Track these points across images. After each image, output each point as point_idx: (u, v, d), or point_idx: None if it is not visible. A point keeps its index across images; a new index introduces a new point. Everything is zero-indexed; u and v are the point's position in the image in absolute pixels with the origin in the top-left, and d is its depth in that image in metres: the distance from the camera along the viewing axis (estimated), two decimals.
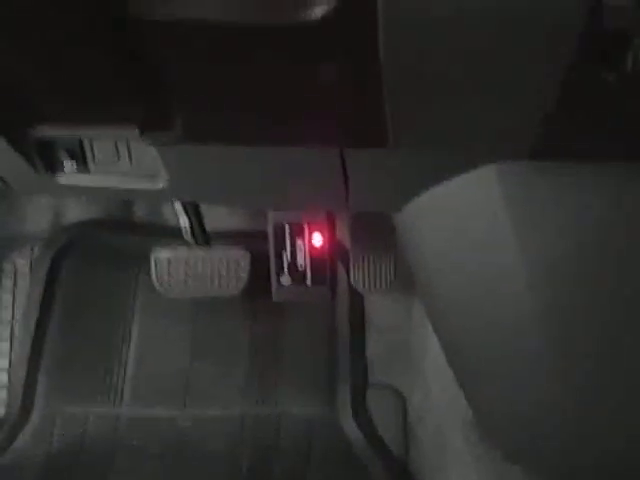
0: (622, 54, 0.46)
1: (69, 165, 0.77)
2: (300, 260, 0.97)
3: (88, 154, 0.78)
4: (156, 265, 1.21)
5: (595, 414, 0.78)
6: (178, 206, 1.18)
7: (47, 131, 0.71)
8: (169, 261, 1.21)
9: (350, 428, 1.23)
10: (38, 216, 1.44)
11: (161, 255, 1.21)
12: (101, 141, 0.77)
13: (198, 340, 1.32)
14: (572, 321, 0.71)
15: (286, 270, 0.98)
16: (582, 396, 0.76)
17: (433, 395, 1.20)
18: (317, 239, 0.95)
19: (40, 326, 1.33)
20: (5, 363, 1.34)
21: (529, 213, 0.66)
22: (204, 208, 1.21)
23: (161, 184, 0.75)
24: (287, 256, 0.97)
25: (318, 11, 0.46)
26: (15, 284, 1.40)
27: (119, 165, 0.78)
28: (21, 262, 1.41)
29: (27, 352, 1.32)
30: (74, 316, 1.35)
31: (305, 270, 0.98)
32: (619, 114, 0.53)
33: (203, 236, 1.22)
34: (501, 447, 1.00)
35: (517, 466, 1.02)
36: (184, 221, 1.19)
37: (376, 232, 1.09)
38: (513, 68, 0.50)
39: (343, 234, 1.22)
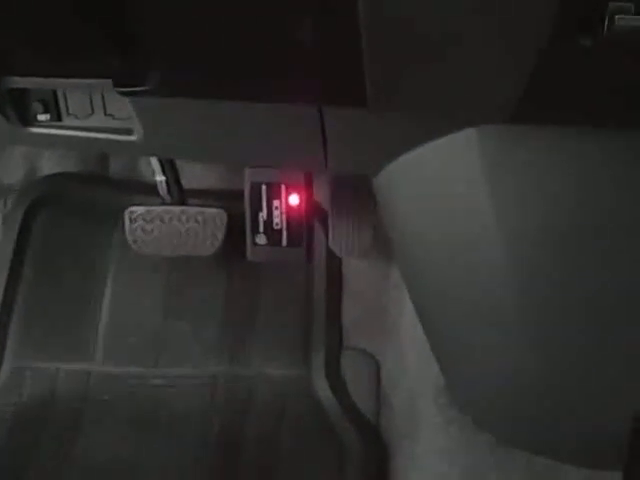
0: (598, 19, 0.46)
1: (43, 116, 0.77)
2: (276, 220, 0.96)
3: (62, 106, 0.78)
4: (130, 221, 1.20)
5: (565, 383, 0.79)
6: (154, 162, 1.17)
7: (21, 82, 0.70)
8: (144, 218, 1.20)
9: (323, 391, 1.23)
10: (12, 168, 1.42)
11: (136, 211, 1.20)
12: (75, 93, 0.76)
13: (172, 298, 1.31)
14: (547, 288, 0.71)
15: (262, 230, 0.97)
16: (553, 365, 0.77)
17: (407, 360, 1.21)
18: (294, 199, 0.94)
19: (12, 279, 1.32)
20: None
21: (508, 177, 0.66)
22: (180, 165, 1.20)
23: (135, 137, 0.74)
24: (263, 216, 0.96)
25: None
26: None
27: (93, 118, 0.78)
28: None
29: None
30: (47, 270, 1.34)
31: (281, 230, 0.97)
32: (596, 79, 0.53)
33: (179, 194, 1.21)
34: (471, 413, 1.02)
35: (486, 432, 1.04)
36: (160, 178, 1.18)
37: (356, 196, 1.09)
38: (494, 33, 0.50)
39: (323, 197, 1.22)
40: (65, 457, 1.19)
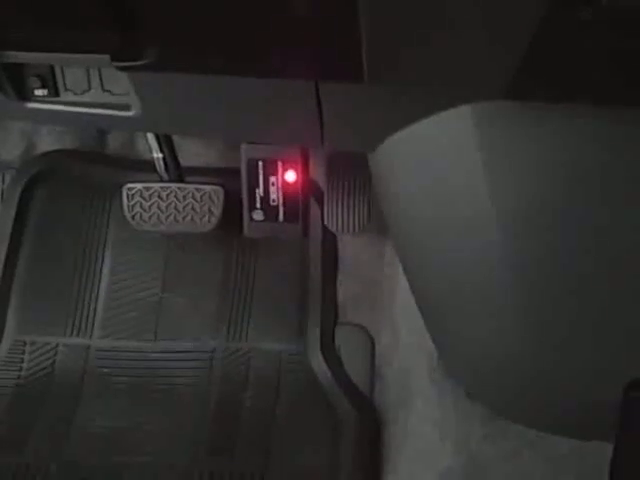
0: None
1: (40, 92, 0.77)
2: (273, 196, 0.97)
3: (59, 81, 0.77)
4: (128, 198, 1.20)
5: (558, 357, 0.80)
6: (151, 140, 1.17)
7: (18, 57, 0.70)
8: (141, 194, 1.20)
9: (318, 365, 1.24)
10: (10, 145, 1.42)
11: (134, 188, 1.20)
12: (72, 68, 0.76)
13: (170, 273, 1.31)
14: (539, 261, 0.72)
15: (258, 206, 0.98)
16: (545, 336, 0.78)
17: (401, 335, 1.22)
18: (291, 175, 0.95)
19: (11, 255, 1.33)
20: None
21: (503, 154, 0.66)
22: (178, 143, 1.20)
23: (133, 112, 0.74)
24: (260, 192, 0.97)
25: None
26: None
27: (91, 93, 0.77)
28: None
29: None
30: (45, 246, 1.34)
31: (278, 206, 0.98)
32: (594, 54, 0.52)
33: (176, 171, 1.21)
34: (464, 384, 1.03)
35: (479, 403, 1.05)
36: (158, 155, 1.18)
37: (352, 173, 1.09)
38: (491, 7, 0.49)
39: (319, 174, 1.22)
40: (65, 430, 1.20)
